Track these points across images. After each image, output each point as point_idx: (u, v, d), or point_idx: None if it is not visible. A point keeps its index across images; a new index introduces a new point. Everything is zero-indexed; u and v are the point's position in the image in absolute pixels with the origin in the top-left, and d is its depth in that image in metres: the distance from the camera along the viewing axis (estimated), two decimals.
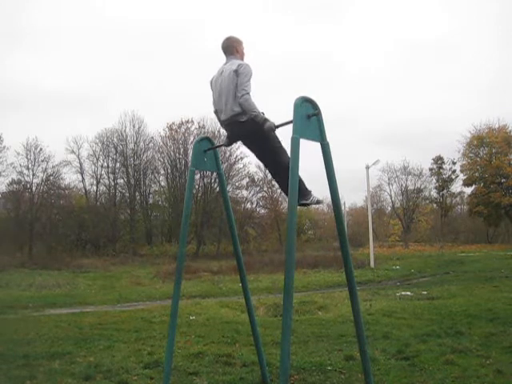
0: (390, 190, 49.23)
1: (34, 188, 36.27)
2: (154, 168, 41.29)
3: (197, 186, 37.07)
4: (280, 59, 74.99)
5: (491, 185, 42.96)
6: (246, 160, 38.73)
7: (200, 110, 47.65)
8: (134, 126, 39.65)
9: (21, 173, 35.63)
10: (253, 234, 41.22)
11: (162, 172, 41.86)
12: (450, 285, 15.17)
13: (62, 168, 37.61)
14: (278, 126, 3.86)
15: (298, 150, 3.48)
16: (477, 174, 44.49)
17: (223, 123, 4.23)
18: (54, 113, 60.86)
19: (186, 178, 4.98)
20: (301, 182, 4.02)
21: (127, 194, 39.97)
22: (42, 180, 36.45)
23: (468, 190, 47.26)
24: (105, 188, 40.54)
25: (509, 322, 7.62)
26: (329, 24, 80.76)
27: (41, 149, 35.69)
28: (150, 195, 42.42)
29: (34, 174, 35.77)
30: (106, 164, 39.62)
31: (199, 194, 38.25)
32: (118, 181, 39.97)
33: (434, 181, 48.03)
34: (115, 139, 39.44)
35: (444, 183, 47.61)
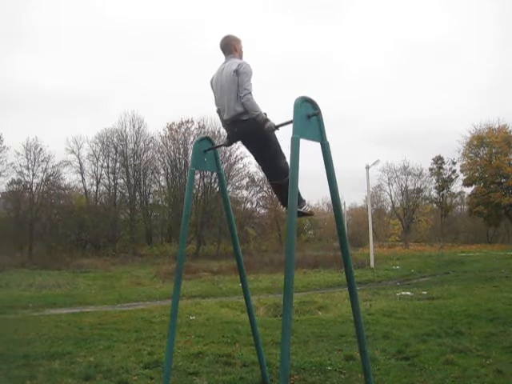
0: (390, 190, 49.30)
1: (34, 188, 36.31)
2: (154, 168, 41.32)
3: (197, 186, 37.07)
4: (280, 59, 75.09)
5: (491, 185, 42.96)
6: (246, 160, 38.73)
7: (200, 110, 47.86)
8: (134, 126, 39.70)
9: (21, 173, 35.69)
10: (253, 234, 41.20)
11: (162, 172, 41.93)
12: (450, 285, 15.17)
13: (62, 168, 37.67)
14: (278, 126, 3.86)
15: (298, 150, 3.48)
16: (477, 174, 44.50)
17: (226, 122, 4.24)
18: (54, 113, 60.98)
19: (186, 178, 4.98)
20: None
21: (127, 194, 39.97)
22: (42, 180, 36.49)
23: (468, 190, 47.36)
24: (105, 188, 40.59)
25: (509, 321, 7.62)
26: (329, 24, 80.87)
27: (41, 149, 35.76)
28: (150, 195, 42.47)
29: (34, 174, 35.83)
30: (106, 164, 39.68)
31: (199, 194, 38.24)
32: (118, 181, 40.02)
33: (434, 181, 48.08)
34: (115, 139, 39.49)
35: (444, 183, 47.61)
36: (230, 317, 9.51)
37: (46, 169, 36.24)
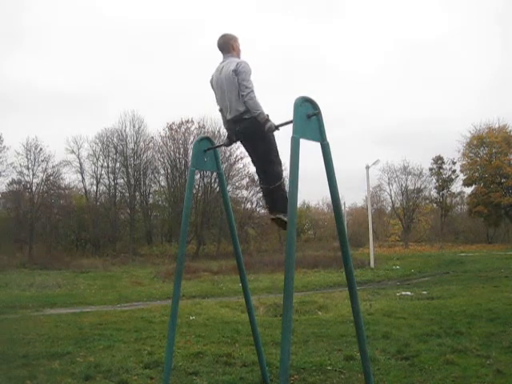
0: (390, 190, 49.23)
1: (34, 188, 36.32)
2: (154, 168, 41.29)
3: (197, 186, 37.06)
4: (280, 59, 75.06)
5: (491, 185, 42.95)
6: (246, 160, 38.63)
7: (200, 110, 47.85)
8: (134, 126, 39.66)
9: (21, 173, 35.70)
10: (253, 234, 41.20)
11: (162, 172, 41.88)
12: (449, 285, 15.17)
13: (61, 168, 37.69)
14: (278, 126, 3.86)
15: (298, 150, 3.49)
16: (477, 174, 44.49)
17: (228, 122, 4.25)
18: (54, 113, 60.90)
19: (186, 178, 4.98)
20: (285, 198, 4.03)
21: (127, 194, 39.95)
22: (42, 180, 36.50)
23: (468, 190, 47.31)
24: (105, 188, 40.56)
25: (509, 321, 7.62)
26: (328, 24, 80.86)
27: (41, 149, 35.78)
28: (150, 195, 42.43)
29: (34, 174, 35.84)
30: (106, 164, 39.64)
31: (199, 194, 38.23)
32: (118, 181, 39.99)
33: (434, 181, 48.01)
34: (115, 139, 39.46)
35: (444, 183, 47.57)
36: (229, 317, 9.51)
37: (45, 169, 36.32)
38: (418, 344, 6.36)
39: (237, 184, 40.61)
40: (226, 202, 4.73)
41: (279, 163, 4.14)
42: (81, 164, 39.06)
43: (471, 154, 45.17)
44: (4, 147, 34.59)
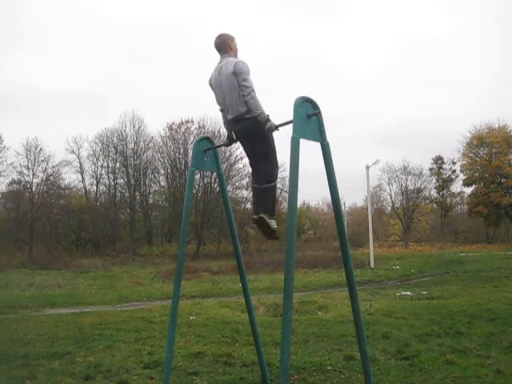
0: (390, 190, 49.23)
1: (34, 188, 36.32)
2: (154, 168, 41.29)
3: (197, 186, 37.06)
4: (280, 59, 75.05)
5: (491, 185, 42.94)
6: (246, 160, 38.30)
7: (200, 110, 47.82)
8: (134, 126, 39.65)
9: (21, 173, 35.70)
10: (253, 234, 41.16)
11: (162, 172, 41.88)
12: (449, 285, 15.17)
13: (61, 168, 37.69)
14: (278, 126, 3.87)
15: (298, 150, 3.49)
16: (477, 174, 44.48)
17: (228, 121, 4.25)
18: (54, 113, 60.87)
19: (186, 178, 4.98)
20: (274, 201, 4.07)
21: (127, 194, 39.94)
22: (42, 180, 36.51)
23: (468, 190, 47.29)
24: (105, 188, 40.55)
25: (509, 321, 7.62)
26: (328, 24, 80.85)
27: (41, 149, 35.78)
28: (150, 195, 42.43)
29: (34, 174, 35.84)
30: (106, 164, 39.63)
31: (199, 194, 38.22)
32: (118, 181, 39.98)
33: (434, 181, 48.00)
34: (115, 139, 39.45)
35: (444, 183, 47.56)
36: (229, 317, 9.51)
37: (45, 169, 36.32)
38: (418, 344, 6.36)
39: (237, 184, 40.61)
40: (226, 202, 4.73)
41: (276, 165, 4.14)
42: (81, 164, 39.12)
43: (471, 154, 45.17)
44: (4, 147, 34.65)
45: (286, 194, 37.46)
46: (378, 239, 44.22)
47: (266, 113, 3.90)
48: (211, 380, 4.98)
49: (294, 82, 66.86)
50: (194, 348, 6.46)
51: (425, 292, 13.38)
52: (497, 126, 44.29)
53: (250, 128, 4.01)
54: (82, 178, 39.65)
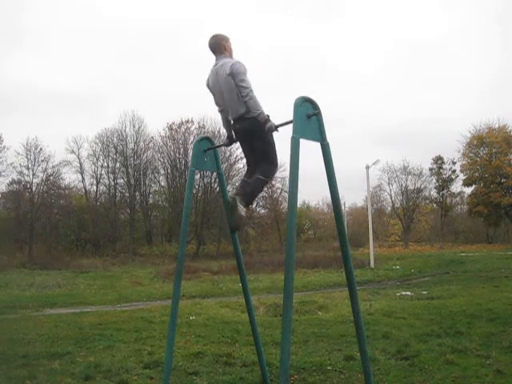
0: (390, 190, 49.24)
1: (34, 188, 36.37)
2: (154, 168, 41.32)
3: (197, 186, 37.07)
4: (280, 59, 75.04)
5: (491, 185, 42.95)
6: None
7: (200, 110, 47.79)
8: (134, 126, 39.69)
9: (21, 173, 35.75)
10: (253, 234, 41.20)
11: (162, 172, 41.91)
12: (450, 285, 15.17)
13: (61, 168, 37.77)
14: (278, 126, 3.87)
15: (298, 150, 3.49)
16: (477, 174, 44.49)
17: (228, 122, 4.26)
18: (54, 113, 60.93)
19: (186, 178, 4.98)
20: (256, 193, 4.10)
21: (127, 194, 39.97)
22: (42, 180, 36.55)
23: (468, 190, 47.32)
24: (105, 188, 40.59)
25: (509, 321, 7.62)
26: (328, 24, 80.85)
27: (41, 149, 35.84)
28: (150, 195, 42.46)
29: (34, 174, 35.90)
30: (106, 164, 39.68)
31: (199, 194, 38.24)
32: (118, 181, 40.02)
33: (434, 181, 48.02)
34: (115, 139, 39.49)
35: (444, 183, 47.58)
36: (229, 317, 9.51)
37: (45, 169, 36.39)
38: (418, 344, 6.35)
39: (237, 184, 40.61)
40: (226, 202, 4.73)
41: (276, 165, 4.13)
42: (81, 164, 39.17)
43: (471, 154, 45.18)
44: (4, 147, 34.71)
45: (286, 194, 37.53)
46: (378, 239, 44.23)
47: (266, 113, 3.90)
48: (211, 380, 4.97)
49: (294, 82, 66.94)
50: (194, 348, 6.46)
51: (425, 292, 13.38)
52: (497, 126, 44.38)
53: (250, 128, 4.01)
54: (82, 177, 39.75)
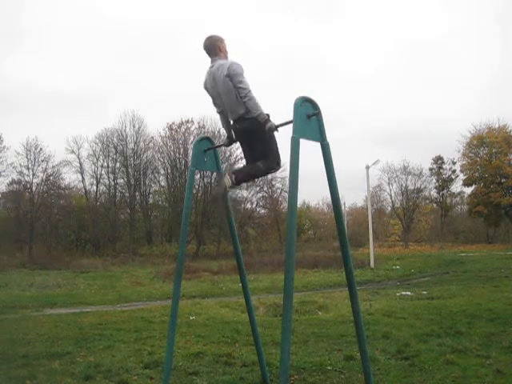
0: (390, 190, 49.23)
1: (34, 188, 36.36)
2: (154, 168, 41.30)
3: (197, 186, 37.06)
4: (280, 59, 75.04)
5: (491, 185, 42.95)
6: None
7: (200, 110, 47.66)
8: (134, 126, 39.67)
9: (21, 173, 35.75)
10: (253, 234, 41.20)
11: (162, 172, 41.90)
12: (450, 285, 15.17)
13: (61, 168, 37.74)
14: (278, 126, 3.87)
15: (298, 150, 3.49)
16: (477, 174, 44.49)
17: (227, 122, 4.27)
18: (54, 113, 60.94)
19: (186, 178, 4.98)
20: (248, 177, 4.21)
21: (127, 194, 39.96)
22: (42, 180, 36.53)
23: (468, 190, 47.31)
24: (105, 188, 40.57)
25: (509, 321, 7.62)
26: (328, 24, 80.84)
27: (41, 149, 35.83)
28: (150, 195, 42.44)
29: (34, 174, 35.89)
30: (106, 164, 39.66)
31: (199, 194, 38.23)
32: (118, 181, 40.00)
33: (434, 181, 48.01)
34: (115, 139, 39.48)
35: (444, 183, 47.57)
36: (229, 317, 9.51)
37: (45, 169, 36.38)
38: (418, 344, 6.36)
39: None
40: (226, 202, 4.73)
41: (278, 163, 4.12)
42: (81, 164, 39.14)
43: (471, 154, 45.17)
44: (4, 147, 34.70)
45: (286, 194, 37.53)
46: (378, 239, 44.23)
47: (266, 113, 3.90)
48: (211, 380, 4.98)
49: (294, 82, 66.94)
50: (194, 348, 6.46)
51: (425, 292, 13.38)
52: (497, 125, 44.38)
53: (250, 128, 4.00)
54: (82, 177, 39.73)
